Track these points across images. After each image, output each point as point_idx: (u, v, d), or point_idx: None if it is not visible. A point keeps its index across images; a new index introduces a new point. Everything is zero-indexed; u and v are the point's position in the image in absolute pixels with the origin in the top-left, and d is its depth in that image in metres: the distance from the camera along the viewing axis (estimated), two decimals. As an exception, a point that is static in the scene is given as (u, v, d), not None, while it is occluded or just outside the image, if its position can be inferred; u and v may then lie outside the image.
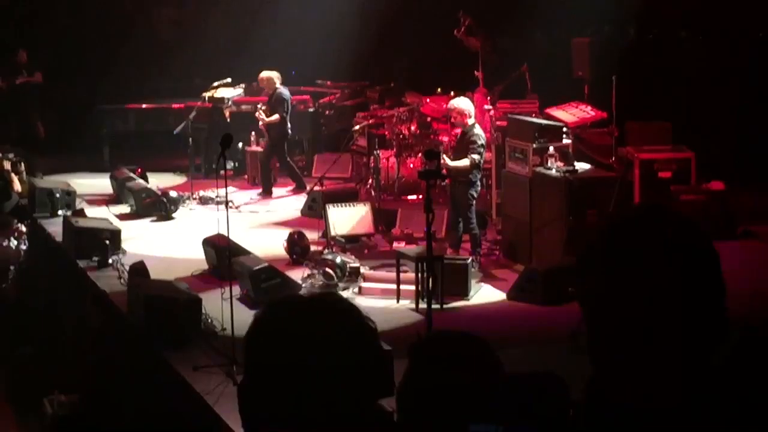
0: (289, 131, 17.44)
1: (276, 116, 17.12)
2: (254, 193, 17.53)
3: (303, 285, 11.99)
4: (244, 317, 9.95)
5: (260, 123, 17.43)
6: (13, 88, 20.96)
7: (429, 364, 3.08)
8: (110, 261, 12.84)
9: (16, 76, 20.99)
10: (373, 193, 15.46)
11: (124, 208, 16.25)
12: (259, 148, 18.02)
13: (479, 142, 12.77)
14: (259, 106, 17.60)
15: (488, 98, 15.28)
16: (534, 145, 13.08)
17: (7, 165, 15.31)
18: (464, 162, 12.66)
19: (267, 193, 17.34)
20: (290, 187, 17.71)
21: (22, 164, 16.72)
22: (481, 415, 2.89)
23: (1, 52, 21.34)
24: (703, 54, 17.81)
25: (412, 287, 11.55)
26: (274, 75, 17.42)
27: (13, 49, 21.13)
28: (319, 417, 2.30)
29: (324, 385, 2.30)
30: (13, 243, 13.05)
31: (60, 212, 15.28)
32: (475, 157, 12.67)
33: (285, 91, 17.42)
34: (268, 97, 17.47)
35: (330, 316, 2.39)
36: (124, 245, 13.67)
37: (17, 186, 15.38)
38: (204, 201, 16.56)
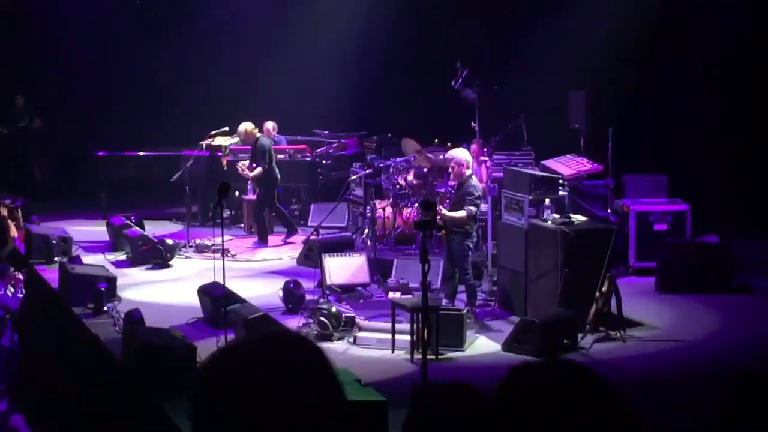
0: (277, 177, 17.45)
1: (258, 169, 17.14)
2: (251, 241, 17.55)
3: (298, 334, 11.96)
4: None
5: (246, 178, 17.49)
6: (12, 133, 21.04)
7: (426, 417, 3.08)
8: (105, 308, 12.83)
9: (14, 122, 21.07)
10: (369, 242, 15.48)
11: (120, 256, 16.25)
12: (255, 197, 18.09)
13: (475, 194, 12.82)
14: (239, 165, 17.56)
15: (485, 149, 15.34)
16: (530, 197, 13.12)
17: (4, 211, 15.26)
18: (461, 213, 12.70)
19: (263, 242, 17.35)
20: (284, 237, 17.69)
21: (19, 211, 16.70)
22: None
23: (1, 99, 21.45)
24: (699, 107, 17.90)
25: (408, 337, 11.52)
26: (252, 126, 17.45)
27: (11, 94, 21.24)
28: None
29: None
30: (10, 290, 13.01)
31: (56, 259, 15.28)
32: (472, 209, 12.72)
33: (266, 141, 17.44)
34: (251, 149, 17.49)
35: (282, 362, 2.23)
36: (119, 292, 13.67)
37: (14, 232, 15.35)
38: (200, 249, 16.55)
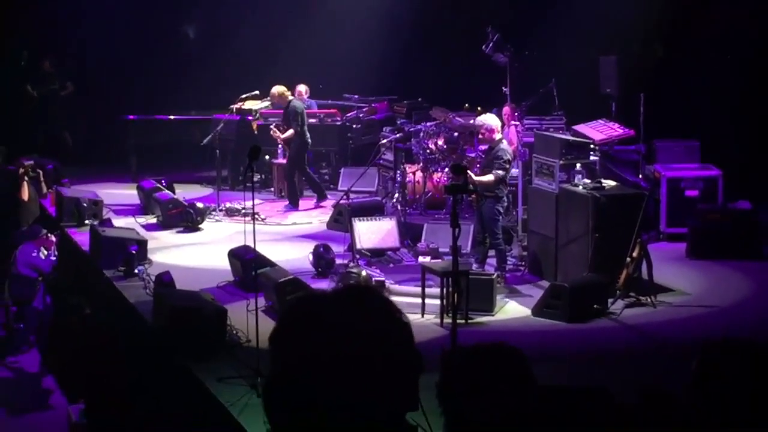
0: (309, 141, 17.45)
1: (290, 131, 17.17)
2: (281, 205, 17.57)
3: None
4: (268, 329, 9.95)
5: (278, 141, 17.49)
6: (42, 97, 21.09)
7: (462, 374, 3.09)
8: (136, 271, 12.87)
9: (44, 85, 21.11)
10: (399, 207, 15.47)
11: (151, 219, 16.30)
12: (285, 161, 18.11)
13: (504, 158, 12.78)
14: (272, 126, 17.63)
15: (516, 114, 15.28)
16: (561, 162, 13.07)
17: (22, 170, 15.10)
18: (488, 177, 12.68)
19: (294, 206, 17.37)
20: (315, 201, 17.73)
21: (41, 173, 16.64)
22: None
23: (31, 62, 21.52)
24: (732, 72, 17.75)
25: (437, 302, 11.53)
26: (284, 89, 17.42)
27: (40, 58, 21.29)
28: (345, 418, 2.24)
29: (353, 385, 2.23)
30: (43, 253, 13.08)
31: (87, 222, 15.33)
32: (500, 172, 12.68)
33: (298, 104, 17.44)
34: (283, 111, 17.50)
35: (360, 308, 2.32)
36: (150, 255, 13.72)
37: (25, 194, 15.25)
38: (230, 212, 16.59)
